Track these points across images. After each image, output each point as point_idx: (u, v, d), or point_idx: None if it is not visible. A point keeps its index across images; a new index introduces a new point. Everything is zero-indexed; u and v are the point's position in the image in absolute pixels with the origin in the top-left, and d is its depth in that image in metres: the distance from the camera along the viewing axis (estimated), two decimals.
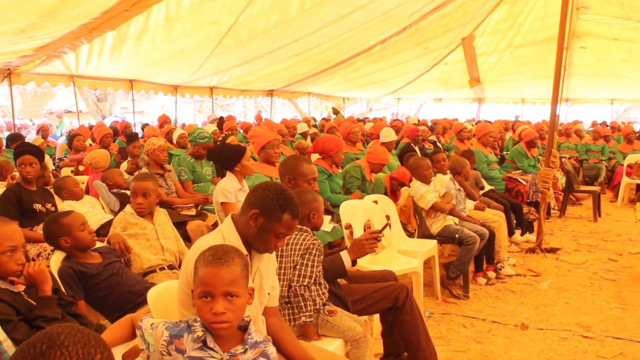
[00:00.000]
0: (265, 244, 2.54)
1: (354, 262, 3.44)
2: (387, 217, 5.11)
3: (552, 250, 6.94)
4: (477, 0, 14.10)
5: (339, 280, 3.49)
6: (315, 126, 14.43)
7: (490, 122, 15.25)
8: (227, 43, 10.81)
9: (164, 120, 11.50)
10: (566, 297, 5.37)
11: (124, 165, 7.27)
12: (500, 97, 21.87)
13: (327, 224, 4.99)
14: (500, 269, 5.99)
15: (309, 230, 3.27)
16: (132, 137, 7.80)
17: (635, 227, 8.50)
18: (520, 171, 8.95)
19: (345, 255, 3.39)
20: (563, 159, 9.63)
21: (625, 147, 11.62)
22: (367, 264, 4.43)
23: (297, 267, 3.07)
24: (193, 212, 5.74)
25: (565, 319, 4.82)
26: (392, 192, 6.45)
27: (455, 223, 5.50)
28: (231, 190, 4.67)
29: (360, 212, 4.90)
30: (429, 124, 15.07)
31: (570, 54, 14.04)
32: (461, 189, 5.87)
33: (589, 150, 12.70)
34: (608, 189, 11.84)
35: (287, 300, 3.08)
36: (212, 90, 15.43)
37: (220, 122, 12.31)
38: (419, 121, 15.84)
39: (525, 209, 7.85)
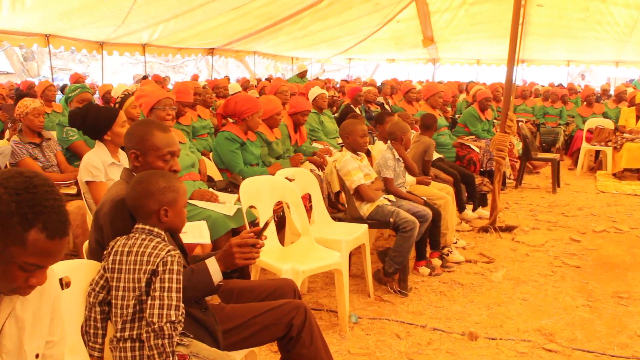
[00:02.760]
0: (7, 282, 1.51)
1: (231, 273, 2.45)
2: (275, 214, 4.11)
3: (508, 229, 6.06)
4: None
5: (207, 298, 2.50)
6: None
7: (440, 83, 14.40)
8: None
9: (75, 80, 10.22)
10: (524, 292, 4.48)
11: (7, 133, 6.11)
12: (455, 58, 21.09)
13: (230, 206, 3.98)
14: (447, 255, 5.07)
15: (162, 233, 2.26)
16: (19, 97, 6.58)
17: (597, 200, 7.71)
18: (474, 137, 8.06)
19: (213, 265, 2.38)
20: (520, 124, 8.77)
21: (584, 111, 10.82)
22: (268, 260, 3.46)
23: (153, 293, 2.07)
24: (74, 190, 4.64)
25: (523, 323, 3.92)
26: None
27: (390, 201, 4.53)
28: (99, 165, 3.62)
29: (268, 192, 3.88)
30: (379, 85, 14.15)
31: (527, 13, 13.24)
32: (400, 158, 4.86)
33: (546, 114, 11.90)
34: (566, 155, 11.08)
35: (131, 338, 2.10)
36: (145, 47, 14.11)
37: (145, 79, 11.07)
38: (364, 82, 14.84)
39: (478, 179, 6.96)
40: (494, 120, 8.99)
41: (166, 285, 2.07)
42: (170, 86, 13.91)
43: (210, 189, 4.32)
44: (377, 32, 18.73)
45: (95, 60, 29.53)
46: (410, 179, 5.15)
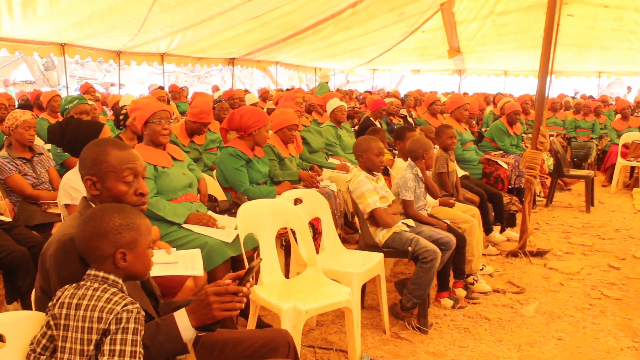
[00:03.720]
0: None
1: (211, 326, 2.03)
2: (257, 255, 3.66)
3: (539, 254, 5.56)
4: None
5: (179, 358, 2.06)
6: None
7: (466, 95, 13.99)
8: (165, 1, 9.30)
9: (85, 90, 9.93)
10: (559, 329, 3.98)
11: None
12: (482, 69, 20.59)
13: (230, 231, 3.57)
14: (473, 284, 4.59)
15: (120, 282, 1.85)
16: (23, 108, 6.28)
17: (635, 220, 7.16)
18: (501, 152, 7.58)
19: (182, 319, 1.95)
20: (551, 138, 8.27)
21: (619, 124, 10.24)
22: (268, 297, 3.04)
23: (100, 359, 1.67)
24: None
25: None
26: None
27: (409, 227, 4.09)
28: (79, 186, 3.24)
29: (269, 217, 3.45)
30: (402, 96, 13.71)
31: (557, 23, 12.72)
32: (421, 178, 4.41)
33: (578, 127, 11.35)
34: (600, 171, 10.51)
35: None
36: (163, 57, 13.85)
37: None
38: (387, 94, 14.41)
39: (506, 198, 6.48)
40: (523, 135, 8.51)
41: (117, 348, 1.67)
42: (189, 97, 13.65)
43: (209, 212, 3.93)
44: (401, 43, 18.33)
45: (123, 70, 29.48)
46: (432, 201, 4.70)
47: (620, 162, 9.16)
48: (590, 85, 23.79)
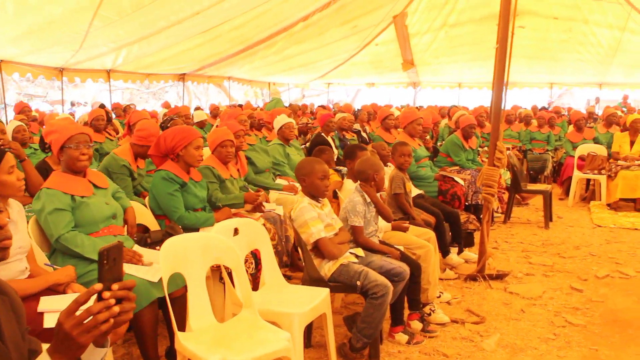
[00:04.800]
0: None
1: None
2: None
3: (499, 277, 5.27)
4: None
5: None
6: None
7: (417, 109, 13.78)
8: (107, 14, 8.87)
9: (20, 110, 9.36)
10: None
11: None
12: (436, 82, 20.59)
13: (156, 268, 3.17)
14: (429, 315, 4.26)
15: None
16: None
17: (594, 236, 6.96)
18: (457, 167, 7.33)
19: None
20: (507, 152, 8.06)
21: (574, 136, 10.11)
22: (193, 347, 2.65)
23: None
24: None
25: None
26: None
27: (358, 257, 3.74)
28: None
29: (198, 254, 3.05)
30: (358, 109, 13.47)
31: (511, 34, 12.66)
32: (371, 202, 4.08)
33: (533, 139, 11.21)
34: (556, 183, 10.37)
35: None
36: (110, 73, 13.34)
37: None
38: (339, 108, 14.11)
39: (464, 216, 6.23)
40: (479, 149, 8.29)
41: None
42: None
43: (135, 246, 3.53)
44: (355, 56, 18.19)
45: (75, 87, 28.60)
46: (384, 225, 4.37)
47: (577, 174, 9.02)
48: (542, 96, 24.01)
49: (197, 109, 14.83)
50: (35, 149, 6.08)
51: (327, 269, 3.61)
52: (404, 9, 15.19)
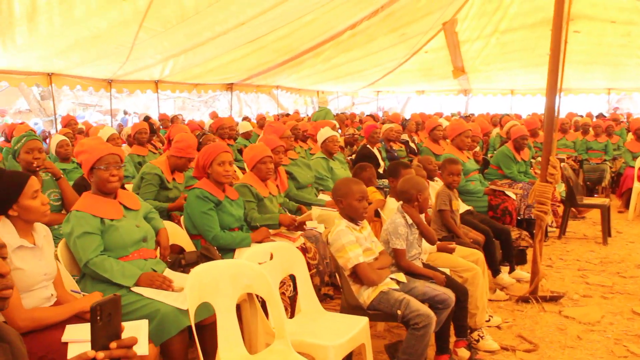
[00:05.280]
0: None
1: None
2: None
3: (553, 299, 4.97)
4: None
5: None
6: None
7: (468, 118, 13.47)
8: (151, 26, 8.89)
9: (67, 122, 9.43)
10: None
11: None
12: (488, 89, 20.11)
13: (182, 296, 3.01)
14: (478, 341, 4.02)
15: None
16: None
17: None
18: (509, 180, 7.03)
19: None
20: (562, 164, 7.70)
21: (634, 145, 9.64)
22: None
23: None
24: None
25: None
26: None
27: (399, 283, 3.51)
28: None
29: (227, 282, 2.88)
30: (407, 119, 13.19)
31: (565, 40, 12.24)
32: (414, 224, 3.86)
33: (590, 149, 10.74)
34: (615, 195, 9.88)
35: None
36: (158, 84, 13.45)
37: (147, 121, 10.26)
38: (386, 117, 13.84)
39: (515, 232, 5.91)
40: (532, 160, 7.95)
41: None
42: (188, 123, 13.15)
43: (167, 270, 3.39)
44: (404, 64, 17.93)
45: (129, 96, 29.00)
46: (428, 247, 4.14)
47: (637, 186, 8.56)
48: (599, 103, 23.29)
49: (245, 119, 14.82)
50: (79, 164, 6.05)
51: (366, 296, 3.39)
52: (454, 15, 14.93)
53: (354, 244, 3.37)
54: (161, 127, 11.52)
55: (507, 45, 16.07)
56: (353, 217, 3.49)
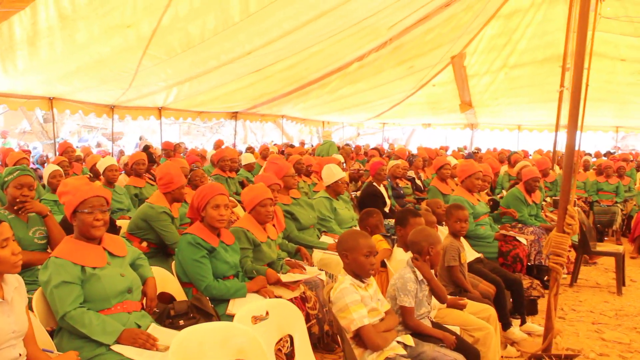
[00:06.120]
0: None
1: None
2: None
3: (568, 358, 4.65)
4: (468, 13, 12.16)
5: None
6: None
7: (476, 154, 13.20)
8: (155, 53, 8.70)
9: (64, 149, 9.17)
10: None
11: None
12: (495, 123, 19.92)
13: (166, 357, 2.71)
14: None
15: None
16: None
17: None
18: (520, 225, 6.74)
19: None
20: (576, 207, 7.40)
21: None
22: None
23: None
24: None
25: None
26: None
27: (406, 347, 3.19)
28: None
29: (217, 348, 2.58)
30: (413, 153, 12.93)
31: (587, 76, 12.07)
32: (424, 280, 3.57)
33: (600, 190, 10.47)
34: (627, 239, 9.57)
35: None
36: (161, 111, 13.26)
37: (146, 151, 10.03)
38: (392, 151, 13.57)
39: (526, 281, 5.63)
40: (543, 202, 7.66)
41: None
42: (185, 154, 12.94)
43: (152, 325, 3.09)
44: (411, 96, 17.74)
45: (135, 120, 28.80)
46: (437, 303, 3.84)
47: None
48: (606, 140, 23.08)
49: (248, 149, 14.60)
50: None
51: None
52: (463, 49, 14.81)
53: (359, 304, 3.06)
54: (163, 155, 11.26)
55: (515, 81, 15.94)
56: (359, 273, 3.17)
